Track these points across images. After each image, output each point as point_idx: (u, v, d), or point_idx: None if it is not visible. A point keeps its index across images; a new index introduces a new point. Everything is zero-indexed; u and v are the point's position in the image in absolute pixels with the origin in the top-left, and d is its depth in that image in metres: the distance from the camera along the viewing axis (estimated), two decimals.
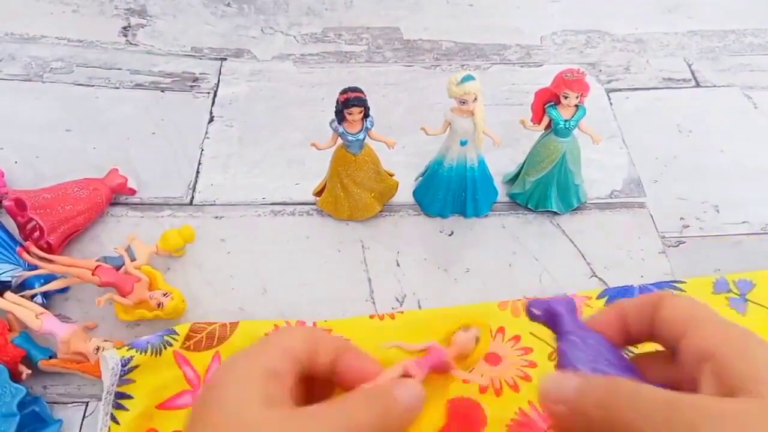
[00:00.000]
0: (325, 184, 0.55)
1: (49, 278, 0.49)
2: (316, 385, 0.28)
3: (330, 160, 0.54)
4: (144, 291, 0.48)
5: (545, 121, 0.53)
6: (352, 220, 0.56)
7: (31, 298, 0.48)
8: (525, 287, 0.52)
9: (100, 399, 0.43)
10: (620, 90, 0.69)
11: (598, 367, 0.28)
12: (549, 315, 0.31)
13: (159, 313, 0.47)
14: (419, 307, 0.51)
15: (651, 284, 0.51)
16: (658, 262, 0.54)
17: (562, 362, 0.29)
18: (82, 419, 0.44)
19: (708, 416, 0.21)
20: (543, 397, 0.26)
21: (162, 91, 0.67)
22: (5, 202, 0.53)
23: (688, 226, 0.57)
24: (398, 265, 0.53)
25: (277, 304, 0.50)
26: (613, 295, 0.50)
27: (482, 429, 0.45)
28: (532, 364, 0.45)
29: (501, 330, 0.47)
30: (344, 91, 0.49)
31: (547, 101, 0.52)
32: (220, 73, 0.69)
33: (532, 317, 0.32)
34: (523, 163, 0.57)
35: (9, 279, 0.49)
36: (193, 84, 0.68)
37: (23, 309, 0.47)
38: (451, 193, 0.55)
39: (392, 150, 0.53)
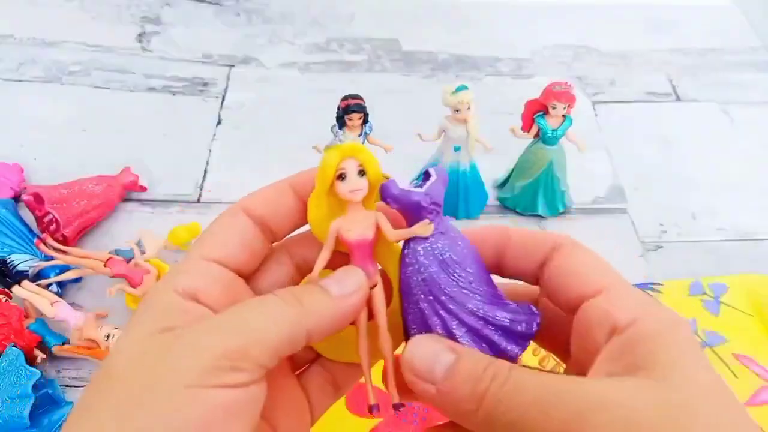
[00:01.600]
0: None
1: (64, 269, 0.50)
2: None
3: None
4: (153, 282, 0.48)
5: (534, 129, 0.54)
6: None
7: (47, 287, 0.48)
8: None
9: None
10: (605, 102, 0.70)
11: (468, 303, 0.22)
12: (403, 202, 0.23)
13: None
14: None
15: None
16: (638, 265, 0.55)
17: (411, 278, 0.22)
18: None
19: (595, 406, 0.17)
20: (409, 370, 0.20)
21: (173, 95, 0.68)
22: (24, 197, 0.53)
23: (666, 232, 0.58)
24: None
25: None
26: None
27: None
28: None
29: None
30: (345, 98, 0.50)
31: (536, 111, 0.53)
32: (228, 79, 0.70)
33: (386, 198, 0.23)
34: (513, 169, 0.57)
35: (26, 269, 0.49)
36: (203, 88, 0.69)
37: (39, 297, 0.47)
38: (444, 196, 0.56)
39: (389, 154, 0.53)
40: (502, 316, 0.22)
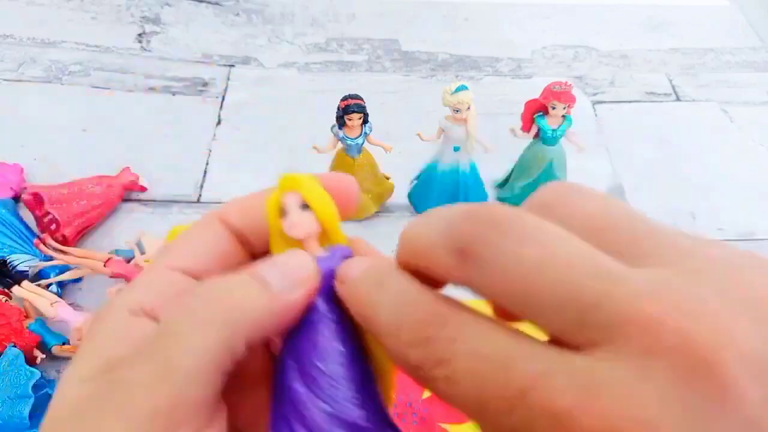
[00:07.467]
0: None
1: (63, 269, 0.50)
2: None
3: (330, 162, 0.54)
4: None
5: (534, 129, 0.53)
6: (350, 220, 0.56)
7: (47, 287, 0.48)
8: None
9: None
10: (605, 102, 0.70)
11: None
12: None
13: None
14: None
15: None
16: None
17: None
18: None
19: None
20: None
21: (173, 95, 0.68)
22: (24, 196, 0.53)
23: None
24: None
25: None
26: None
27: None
28: None
29: None
30: (345, 98, 0.50)
31: (536, 111, 0.53)
32: (228, 79, 0.70)
33: None
34: (513, 169, 0.57)
35: (26, 269, 0.49)
36: (203, 88, 0.69)
37: (39, 297, 0.47)
38: (444, 195, 0.56)
39: (389, 154, 0.53)
40: None
